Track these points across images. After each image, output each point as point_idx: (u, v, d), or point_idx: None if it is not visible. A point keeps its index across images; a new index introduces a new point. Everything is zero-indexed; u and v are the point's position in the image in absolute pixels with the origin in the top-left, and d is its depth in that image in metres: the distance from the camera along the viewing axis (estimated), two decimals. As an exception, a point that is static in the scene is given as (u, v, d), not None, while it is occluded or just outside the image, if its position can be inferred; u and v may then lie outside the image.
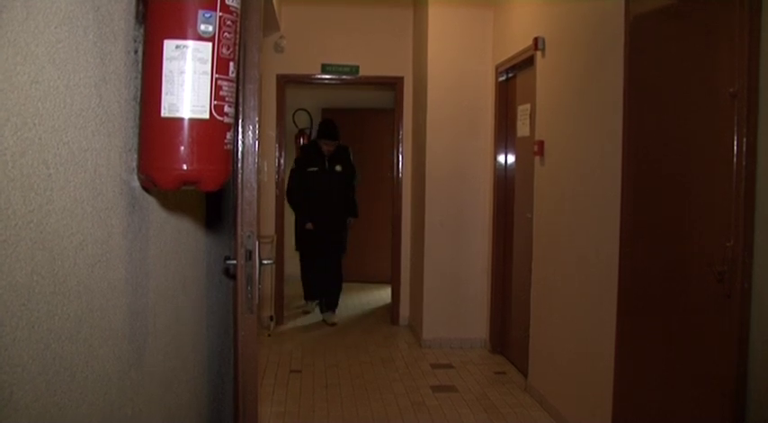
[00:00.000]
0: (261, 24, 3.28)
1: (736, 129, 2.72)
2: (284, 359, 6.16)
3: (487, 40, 6.44)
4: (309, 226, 7.44)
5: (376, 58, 7.32)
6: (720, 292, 2.77)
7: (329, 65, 7.32)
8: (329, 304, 7.67)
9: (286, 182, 7.54)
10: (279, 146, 7.40)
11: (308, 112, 9.61)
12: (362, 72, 7.29)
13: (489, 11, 6.43)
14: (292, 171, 7.52)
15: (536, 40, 4.99)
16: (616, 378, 3.67)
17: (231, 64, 1.61)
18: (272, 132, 7.28)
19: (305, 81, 7.60)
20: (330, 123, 7.47)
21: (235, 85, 1.64)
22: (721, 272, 2.75)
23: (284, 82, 7.37)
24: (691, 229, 3.03)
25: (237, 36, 1.63)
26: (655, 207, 3.34)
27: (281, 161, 7.45)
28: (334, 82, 7.51)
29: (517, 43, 5.58)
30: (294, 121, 9.43)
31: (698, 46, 3.00)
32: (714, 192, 2.84)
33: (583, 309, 4.25)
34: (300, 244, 7.80)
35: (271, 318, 7.07)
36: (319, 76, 7.39)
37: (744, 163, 2.70)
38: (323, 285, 7.72)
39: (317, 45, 7.31)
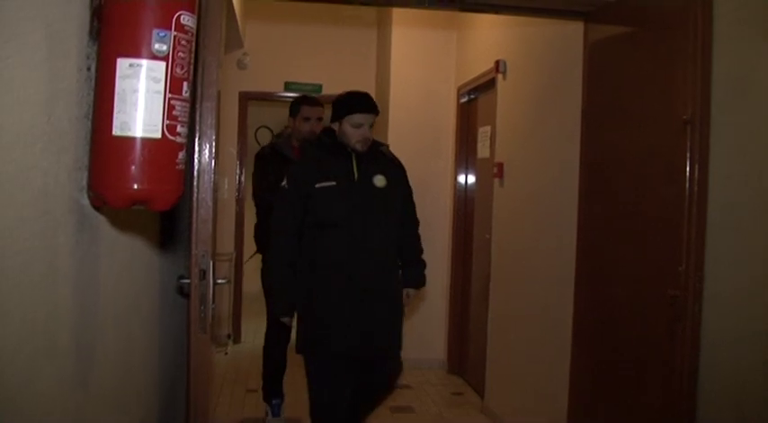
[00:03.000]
0: (221, 42, 3.27)
1: (688, 155, 2.76)
2: (241, 378, 6.09)
3: (450, 61, 6.48)
4: (287, 321, 3.75)
5: (339, 77, 7.32)
6: (672, 317, 2.81)
7: (292, 83, 7.31)
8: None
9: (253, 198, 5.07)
10: (240, 163, 7.36)
11: (271, 130, 9.59)
12: (326, 90, 7.28)
13: (453, 33, 6.48)
14: (271, 186, 4.11)
15: (497, 62, 5.04)
16: (571, 400, 3.69)
17: (185, 84, 1.60)
18: (233, 149, 7.23)
19: (268, 98, 7.57)
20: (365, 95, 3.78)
21: (188, 104, 1.63)
22: (674, 296, 2.78)
23: (247, 99, 7.34)
24: (645, 253, 3.06)
25: (192, 55, 1.63)
26: (610, 231, 3.37)
27: (242, 178, 7.40)
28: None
29: (479, 65, 5.63)
30: (256, 139, 9.39)
31: (654, 72, 3.05)
32: (667, 216, 2.88)
33: (539, 330, 4.27)
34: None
35: (228, 336, 7.00)
36: (282, 94, 7.37)
37: (696, 188, 2.74)
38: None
39: (280, 63, 7.30)
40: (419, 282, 3.92)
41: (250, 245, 7.67)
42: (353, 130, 3.58)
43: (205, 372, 2.50)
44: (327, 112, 4.10)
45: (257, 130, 9.37)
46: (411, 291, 3.89)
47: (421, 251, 3.93)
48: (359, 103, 3.64)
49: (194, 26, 1.62)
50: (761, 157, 2.46)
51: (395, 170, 3.80)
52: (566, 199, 3.81)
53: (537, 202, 4.42)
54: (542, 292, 4.24)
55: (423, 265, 3.93)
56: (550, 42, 4.33)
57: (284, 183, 3.62)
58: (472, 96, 6.07)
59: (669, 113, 2.87)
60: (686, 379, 2.74)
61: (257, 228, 4.96)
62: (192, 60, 1.65)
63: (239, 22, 6.24)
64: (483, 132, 5.70)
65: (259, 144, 9.42)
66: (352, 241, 3.54)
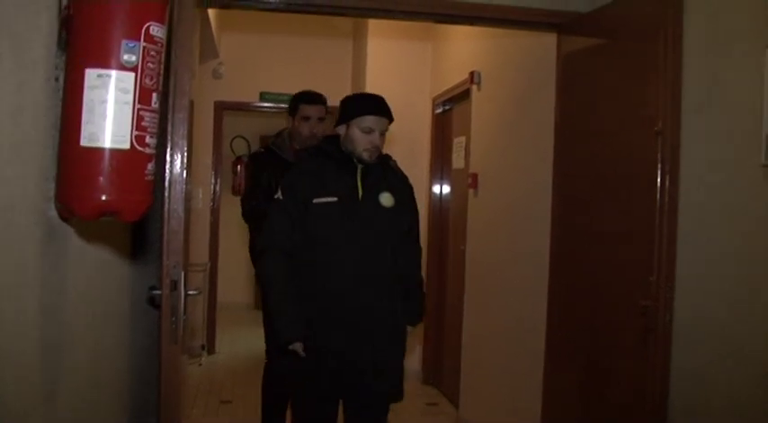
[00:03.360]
0: (195, 52, 3.27)
1: (660, 165, 2.79)
2: (215, 389, 6.05)
3: (426, 72, 6.50)
4: (298, 348, 3.06)
5: (315, 87, 7.18)
6: (644, 327, 2.83)
7: (268, 93, 7.30)
8: None
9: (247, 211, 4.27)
10: (215, 173, 7.33)
11: (247, 140, 9.56)
12: (302, 101, 7.29)
13: (428, 44, 6.50)
14: (266, 194, 3.78)
15: (472, 73, 5.07)
16: (544, 409, 3.70)
17: (154, 94, 1.59)
18: (207, 159, 7.20)
19: (243, 108, 7.55)
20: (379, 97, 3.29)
21: (158, 115, 1.63)
22: (645, 306, 2.81)
23: (222, 109, 7.32)
24: (617, 263, 3.09)
25: (162, 66, 1.62)
26: (583, 241, 3.39)
27: (217, 188, 7.37)
28: (272, 110, 7.48)
29: (454, 76, 5.65)
30: (232, 148, 9.36)
31: (626, 84, 3.08)
32: (639, 227, 2.90)
33: (513, 341, 4.28)
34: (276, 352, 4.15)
35: (202, 347, 6.96)
36: (258, 104, 7.36)
37: (667, 199, 2.77)
38: None
39: (256, 73, 7.29)
40: (417, 317, 3.43)
41: (225, 255, 7.68)
42: (363, 135, 3.10)
43: (176, 383, 2.49)
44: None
45: (233, 139, 9.33)
46: (407, 328, 3.37)
47: (422, 281, 3.48)
48: (371, 104, 3.18)
49: (164, 37, 1.62)
50: (730, 167, 2.49)
51: (403, 188, 3.34)
52: (539, 210, 3.83)
53: (511, 213, 4.44)
54: (516, 303, 4.26)
55: (423, 297, 3.46)
56: (524, 54, 4.35)
57: (278, 194, 3.15)
58: (447, 107, 6.09)
59: (641, 124, 2.90)
60: (658, 388, 2.77)
61: (253, 243, 4.15)
62: (162, 71, 1.64)
63: (215, 32, 6.23)
64: (458, 143, 5.72)
65: (234, 154, 9.39)
66: (351, 267, 3.07)
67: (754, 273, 2.37)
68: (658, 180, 2.79)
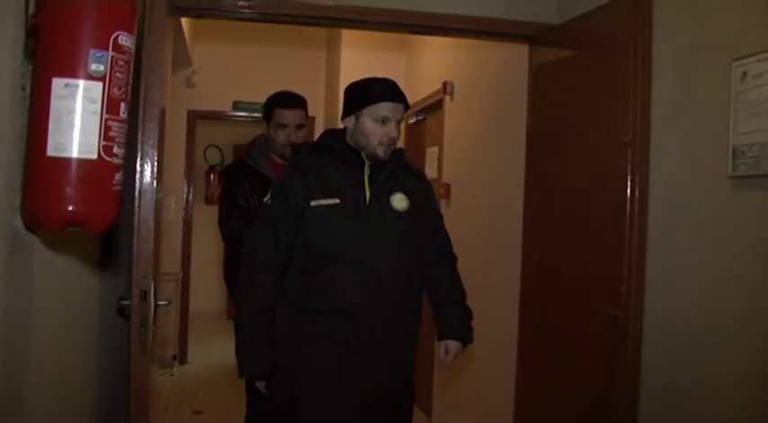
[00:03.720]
0: (167, 61, 3.25)
1: (629, 176, 2.81)
2: (187, 399, 6.00)
3: (399, 82, 6.46)
4: (261, 387, 2.69)
5: (289, 96, 7.31)
6: (614, 336, 2.84)
7: (241, 102, 7.28)
8: None
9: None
10: (188, 182, 7.28)
11: (220, 149, 9.53)
12: (275, 111, 7.28)
13: (402, 54, 6.52)
14: (243, 213, 3.41)
15: (445, 84, 5.09)
16: (516, 419, 3.71)
17: (123, 104, 1.58)
18: (180, 169, 7.16)
19: (216, 117, 7.52)
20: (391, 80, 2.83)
21: (126, 125, 1.61)
22: (615, 316, 2.82)
23: (195, 118, 7.29)
24: (588, 273, 3.10)
25: (130, 76, 1.61)
26: (554, 251, 3.41)
27: (190, 197, 7.33)
28: (246, 119, 7.45)
29: (427, 87, 5.67)
30: (205, 158, 9.33)
31: (596, 95, 3.10)
32: (609, 237, 2.92)
33: (486, 349, 4.28)
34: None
35: (174, 357, 6.90)
36: (231, 114, 7.34)
37: (636, 209, 2.80)
38: None
39: (229, 82, 7.27)
40: (466, 333, 2.84)
41: (198, 264, 7.63)
42: (377, 127, 2.56)
43: (145, 394, 2.47)
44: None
45: (206, 148, 9.30)
46: (452, 345, 2.81)
47: (464, 294, 2.91)
48: (385, 89, 2.66)
49: (133, 46, 1.61)
50: (699, 178, 2.52)
51: (420, 188, 2.79)
52: (512, 220, 3.84)
53: (484, 224, 4.45)
54: (488, 312, 4.25)
55: (468, 312, 2.88)
56: (497, 65, 4.38)
57: (267, 198, 2.62)
58: (420, 117, 6.11)
59: (611, 136, 2.92)
60: (628, 397, 2.78)
61: (227, 266, 3.73)
62: (131, 81, 1.63)
63: (188, 41, 6.21)
64: (431, 153, 5.73)
65: (208, 163, 9.35)
66: (361, 283, 2.52)
67: (722, 283, 2.39)
68: (628, 191, 2.81)
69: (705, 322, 2.47)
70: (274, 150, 3.56)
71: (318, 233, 2.53)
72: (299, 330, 2.58)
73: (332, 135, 2.73)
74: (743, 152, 2.27)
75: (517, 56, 3.87)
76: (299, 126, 3.53)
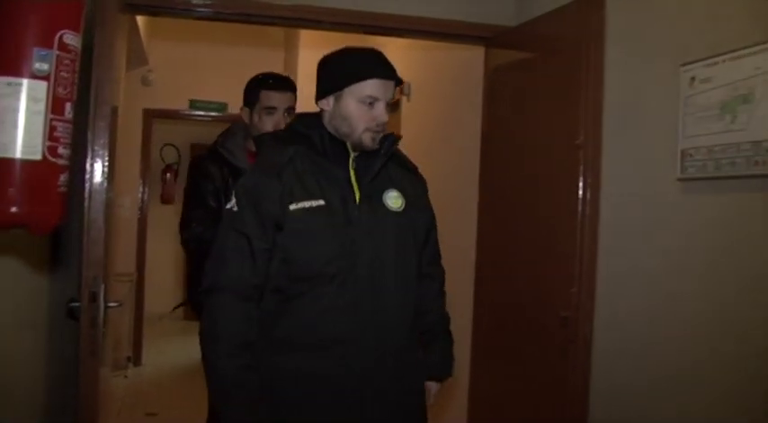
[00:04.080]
0: (119, 59, 3.21)
1: (581, 178, 2.85)
2: (140, 401, 5.92)
3: (357, 82, 6.49)
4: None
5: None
6: (565, 337, 2.87)
7: (197, 101, 7.23)
8: None
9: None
10: (143, 181, 7.20)
11: (177, 148, 9.45)
12: (231, 110, 7.19)
13: (360, 55, 6.50)
14: (212, 215, 2.85)
15: (402, 84, 5.08)
16: (470, 419, 3.72)
17: (68, 104, 1.56)
18: (135, 168, 7.07)
19: (173, 116, 7.45)
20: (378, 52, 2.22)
21: (72, 125, 1.59)
22: (565, 317, 2.85)
23: (151, 116, 7.21)
24: (540, 275, 3.12)
25: (76, 76, 1.59)
26: (507, 253, 3.43)
27: (145, 197, 7.24)
28: (203, 118, 7.40)
29: (385, 88, 5.66)
30: (161, 157, 9.24)
31: (549, 98, 3.12)
32: (561, 239, 2.95)
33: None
34: None
35: (128, 359, 6.82)
36: (188, 112, 7.28)
37: (588, 211, 2.83)
38: None
39: (186, 81, 7.20)
40: (447, 369, 2.43)
41: (153, 264, 7.54)
42: (363, 109, 2.05)
43: (95, 396, 2.44)
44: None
45: (162, 147, 9.21)
46: (432, 387, 2.39)
47: (449, 319, 2.50)
48: (373, 62, 2.11)
49: (79, 45, 1.58)
50: (649, 181, 2.56)
51: (414, 182, 2.32)
52: (466, 222, 3.86)
53: (439, 224, 4.44)
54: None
55: (451, 340, 2.48)
56: (455, 66, 4.40)
57: (232, 204, 2.04)
58: (378, 118, 6.09)
59: (563, 138, 2.95)
60: (579, 396, 2.81)
61: (190, 279, 3.17)
62: (77, 80, 1.61)
63: (144, 39, 6.13)
64: (389, 154, 5.74)
65: (164, 162, 9.25)
66: (354, 304, 2.02)
67: (671, 284, 2.43)
68: (580, 193, 2.85)
69: (655, 323, 2.51)
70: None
71: (300, 245, 2.00)
72: (278, 363, 2.03)
73: (307, 121, 2.22)
74: (690, 155, 2.31)
75: (475, 57, 3.89)
76: (290, 110, 3.05)
